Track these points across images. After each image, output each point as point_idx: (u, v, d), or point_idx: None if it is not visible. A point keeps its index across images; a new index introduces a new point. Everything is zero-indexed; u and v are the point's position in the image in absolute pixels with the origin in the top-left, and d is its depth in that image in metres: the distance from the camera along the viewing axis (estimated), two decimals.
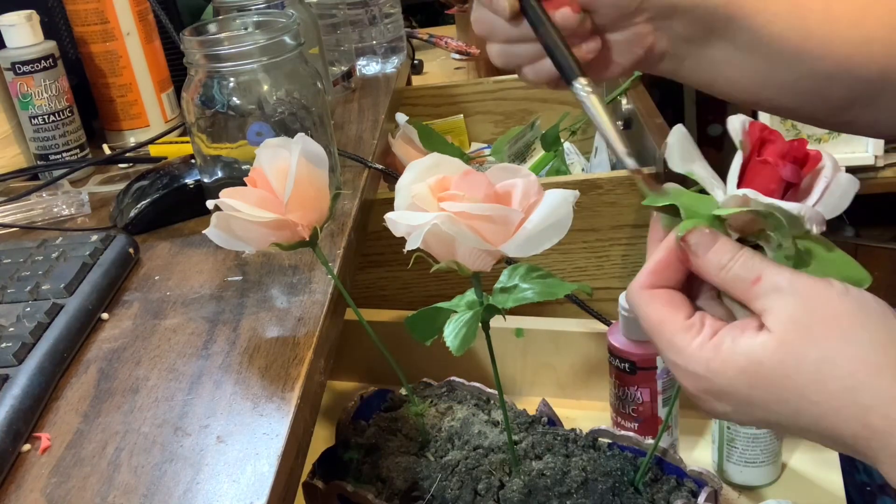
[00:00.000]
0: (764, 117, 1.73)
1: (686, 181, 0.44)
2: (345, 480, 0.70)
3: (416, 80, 1.61)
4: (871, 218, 1.86)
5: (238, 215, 0.55)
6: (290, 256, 0.66)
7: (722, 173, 0.44)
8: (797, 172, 0.42)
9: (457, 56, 1.66)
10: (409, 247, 0.51)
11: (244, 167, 0.68)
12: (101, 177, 0.88)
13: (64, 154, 0.89)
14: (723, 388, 0.41)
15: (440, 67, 1.73)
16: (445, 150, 0.87)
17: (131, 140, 0.96)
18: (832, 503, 0.76)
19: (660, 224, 0.45)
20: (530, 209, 0.52)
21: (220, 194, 0.56)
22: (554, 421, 0.74)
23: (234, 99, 0.68)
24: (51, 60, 0.86)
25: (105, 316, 0.62)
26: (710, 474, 0.65)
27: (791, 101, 0.57)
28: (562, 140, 1.09)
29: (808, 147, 0.43)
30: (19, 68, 0.85)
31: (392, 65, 1.18)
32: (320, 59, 0.98)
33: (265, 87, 0.68)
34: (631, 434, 0.69)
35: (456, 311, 0.59)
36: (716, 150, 2.05)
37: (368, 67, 1.17)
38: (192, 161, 0.75)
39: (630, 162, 0.48)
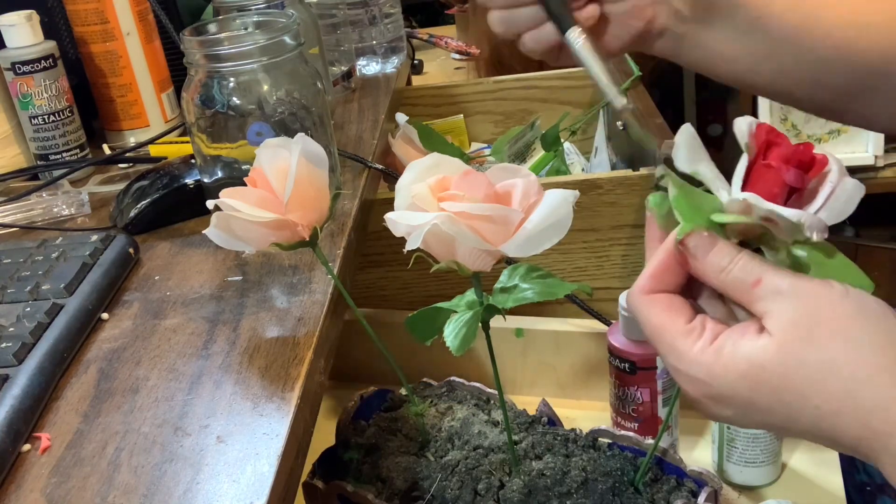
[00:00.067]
0: (764, 117, 1.73)
1: (689, 182, 0.44)
2: (345, 480, 0.70)
3: (416, 80, 1.61)
4: (871, 218, 1.86)
5: (238, 215, 0.55)
6: (290, 256, 0.66)
7: (722, 173, 0.44)
8: (801, 177, 0.41)
9: (457, 56, 1.67)
10: (409, 247, 0.51)
11: (244, 167, 0.68)
12: (101, 177, 0.88)
13: (64, 154, 0.89)
14: (724, 392, 0.41)
15: (440, 67, 1.73)
16: (445, 150, 0.87)
17: (131, 140, 0.96)
18: (832, 503, 0.76)
19: (655, 223, 0.45)
20: (530, 209, 0.52)
21: (220, 194, 0.56)
22: (554, 421, 0.74)
23: (234, 99, 0.68)
24: (51, 60, 0.86)
25: (105, 316, 0.62)
26: (710, 474, 0.65)
27: (790, 85, 0.57)
28: (562, 140, 1.09)
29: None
30: (19, 68, 0.85)
31: (392, 65, 1.18)
32: (320, 59, 0.98)
33: (265, 87, 0.68)
34: (631, 434, 0.69)
35: (456, 311, 0.59)
36: (716, 151, 2.05)
37: (368, 67, 1.17)
38: (192, 161, 0.75)
39: (621, 100, 0.49)
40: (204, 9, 1.09)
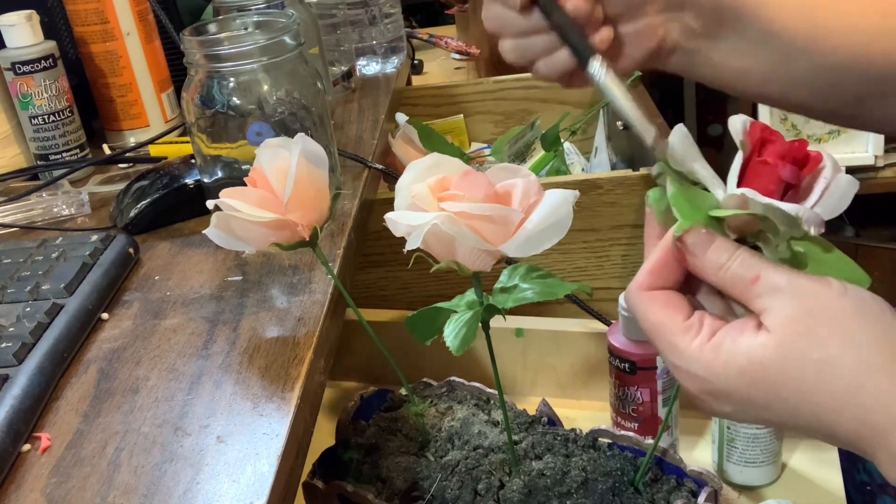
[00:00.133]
0: (763, 117, 1.73)
1: (687, 180, 0.44)
2: (345, 480, 0.70)
3: (416, 80, 1.61)
4: (871, 218, 1.86)
5: (238, 215, 0.55)
6: (290, 256, 0.66)
7: (722, 173, 0.44)
8: (796, 173, 0.42)
9: (457, 56, 1.67)
10: (409, 247, 0.51)
11: (244, 167, 0.68)
12: (101, 177, 0.88)
13: (64, 154, 0.89)
14: (723, 388, 0.41)
15: (440, 67, 1.73)
16: (445, 150, 0.87)
17: (131, 140, 0.96)
18: (832, 503, 0.76)
19: (655, 220, 0.45)
20: (530, 209, 0.52)
21: (220, 194, 0.56)
22: (554, 421, 0.74)
23: (234, 99, 0.68)
24: (51, 60, 0.86)
25: (105, 316, 0.62)
26: (710, 474, 0.65)
27: (804, 95, 0.57)
28: (562, 140, 1.09)
29: (809, 147, 0.43)
30: (19, 68, 0.85)
31: (392, 65, 1.18)
32: (320, 59, 0.98)
33: (265, 87, 0.68)
34: (631, 434, 0.69)
35: (456, 311, 0.59)
36: (716, 150, 2.05)
37: (368, 67, 1.17)
38: (192, 161, 0.75)
39: (650, 136, 0.48)
40: (204, 9, 1.09)
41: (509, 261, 0.64)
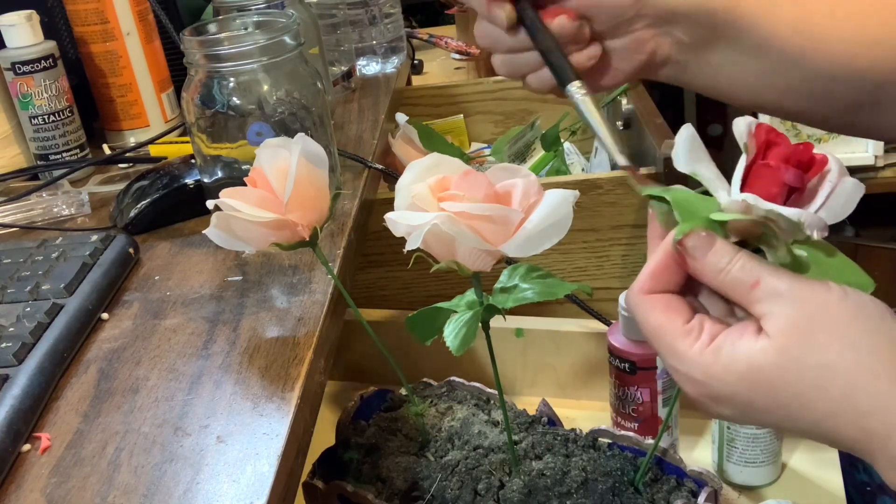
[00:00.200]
0: (763, 117, 1.73)
1: (688, 181, 0.44)
2: (345, 480, 0.70)
3: (416, 80, 1.61)
4: (871, 218, 1.86)
5: (238, 215, 0.55)
6: (290, 256, 0.66)
7: (722, 173, 0.44)
8: (800, 177, 0.41)
9: (457, 56, 1.67)
10: (409, 247, 0.51)
11: (244, 167, 0.68)
12: (101, 177, 0.88)
13: (64, 154, 0.89)
14: (723, 393, 0.41)
15: (440, 67, 1.73)
16: (445, 150, 0.87)
17: (131, 140, 0.96)
18: (832, 503, 0.76)
19: (657, 221, 0.45)
20: (530, 209, 0.52)
21: (220, 194, 0.56)
22: (554, 421, 0.74)
23: (234, 99, 0.68)
24: (51, 60, 0.86)
25: (105, 316, 0.62)
26: (710, 474, 0.65)
27: (797, 103, 0.57)
28: (562, 140, 1.09)
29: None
30: (19, 68, 0.85)
31: (392, 65, 1.18)
32: (320, 59, 0.98)
33: (265, 87, 0.68)
34: (631, 434, 0.69)
35: (456, 311, 0.58)
36: (716, 151, 2.05)
37: (368, 67, 1.17)
38: (192, 161, 0.75)
39: (622, 159, 0.49)
40: (204, 9, 1.09)
41: (509, 261, 0.64)
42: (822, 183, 0.43)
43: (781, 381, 0.40)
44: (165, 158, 0.85)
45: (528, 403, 0.76)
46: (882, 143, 1.71)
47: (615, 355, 0.77)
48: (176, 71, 1.00)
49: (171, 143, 0.94)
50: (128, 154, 0.92)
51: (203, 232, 0.57)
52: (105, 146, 0.96)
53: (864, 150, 1.71)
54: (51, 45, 0.87)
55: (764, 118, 1.52)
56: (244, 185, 0.57)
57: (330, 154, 0.69)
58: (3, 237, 0.76)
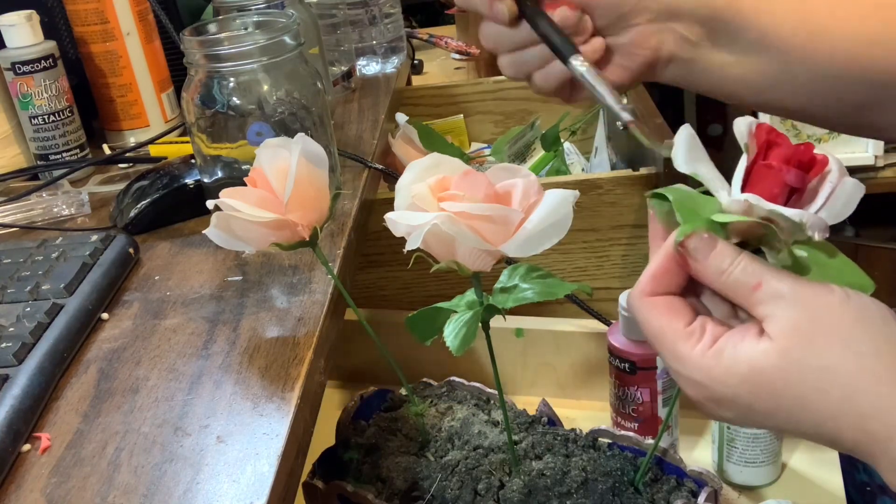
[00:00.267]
0: (764, 116, 1.73)
1: (688, 181, 0.44)
2: (345, 480, 0.70)
3: (416, 80, 1.61)
4: (871, 218, 1.86)
5: (238, 215, 0.55)
6: (290, 256, 0.66)
7: (722, 174, 0.44)
8: (801, 177, 0.41)
9: (457, 56, 1.66)
10: (409, 247, 0.51)
11: (244, 167, 0.68)
12: (101, 177, 0.88)
13: (64, 154, 0.89)
14: (725, 395, 0.41)
15: (440, 67, 1.73)
16: (445, 150, 0.87)
17: (131, 140, 0.96)
18: (832, 503, 0.76)
19: (658, 221, 0.45)
20: (530, 209, 0.52)
21: (220, 194, 0.56)
22: (554, 421, 0.74)
23: (234, 99, 0.68)
24: (51, 60, 0.86)
25: (105, 316, 0.61)
26: (710, 474, 0.65)
27: (803, 102, 0.57)
28: (562, 140, 1.09)
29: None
30: (19, 68, 0.85)
31: (392, 65, 1.18)
32: (320, 59, 0.98)
33: (265, 87, 0.68)
34: (631, 434, 0.69)
35: (456, 311, 0.59)
36: (716, 151, 2.05)
37: (368, 67, 1.17)
38: (192, 161, 0.75)
39: (626, 115, 0.51)
40: (204, 9, 1.09)
41: (509, 261, 0.64)
42: (822, 183, 0.42)
43: (783, 384, 0.40)
44: (165, 158, 0.85)
45: (528, 403, 0.76)
46: (882, 143, 1.71)
47: (615, 355, 0.77)
48: (176, 71, 1.00)
49: (171, 143, 0.94)
50: (128, 154, 0.92)
51: (203, 232, 0.57)
52: (105, 146, 0.96)
53: (864, 150, 1.71)
54: (51, 45, 0.87)
55: (764, 118, 1.52)
56: (244, 185, 0.57)
57: (330, 154, 0.69)
58: (3, 237, 0.76)
